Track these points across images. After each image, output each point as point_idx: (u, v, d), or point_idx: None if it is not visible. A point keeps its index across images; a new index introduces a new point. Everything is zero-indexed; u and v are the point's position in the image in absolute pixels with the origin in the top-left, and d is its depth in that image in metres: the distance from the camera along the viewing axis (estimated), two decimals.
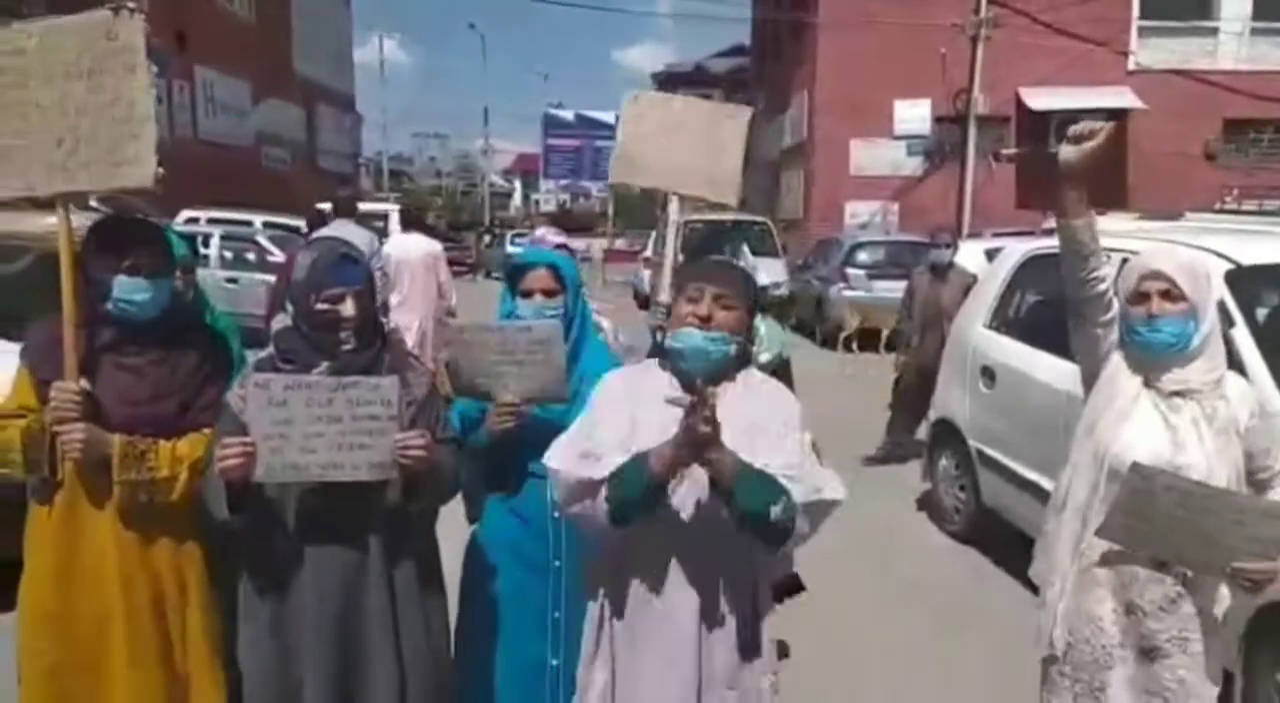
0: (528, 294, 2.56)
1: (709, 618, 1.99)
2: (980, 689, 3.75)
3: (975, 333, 5.35)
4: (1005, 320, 5.27)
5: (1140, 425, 2.26)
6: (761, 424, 1.97)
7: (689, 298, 2.02)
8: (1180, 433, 2.22)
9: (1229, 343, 3.41)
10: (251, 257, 12.01)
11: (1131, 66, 19.83)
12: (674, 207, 3.04)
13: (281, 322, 2.26)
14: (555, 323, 2.47)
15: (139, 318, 2.29)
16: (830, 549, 5.13)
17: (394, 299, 7.23)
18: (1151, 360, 2.27)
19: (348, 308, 2.18)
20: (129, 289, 2.26)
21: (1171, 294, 2.21)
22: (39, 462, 2.24)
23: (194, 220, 13.47)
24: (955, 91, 18.93)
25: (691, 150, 2.94)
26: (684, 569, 1.98)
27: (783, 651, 3.70)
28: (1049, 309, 5.27)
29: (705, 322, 1.97)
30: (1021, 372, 4.79)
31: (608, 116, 42.08)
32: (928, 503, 5.98)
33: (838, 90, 19.90)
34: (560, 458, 2.00)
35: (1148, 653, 2.25)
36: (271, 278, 10.34)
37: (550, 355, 2.40)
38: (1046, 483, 4.42)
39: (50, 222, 2.37)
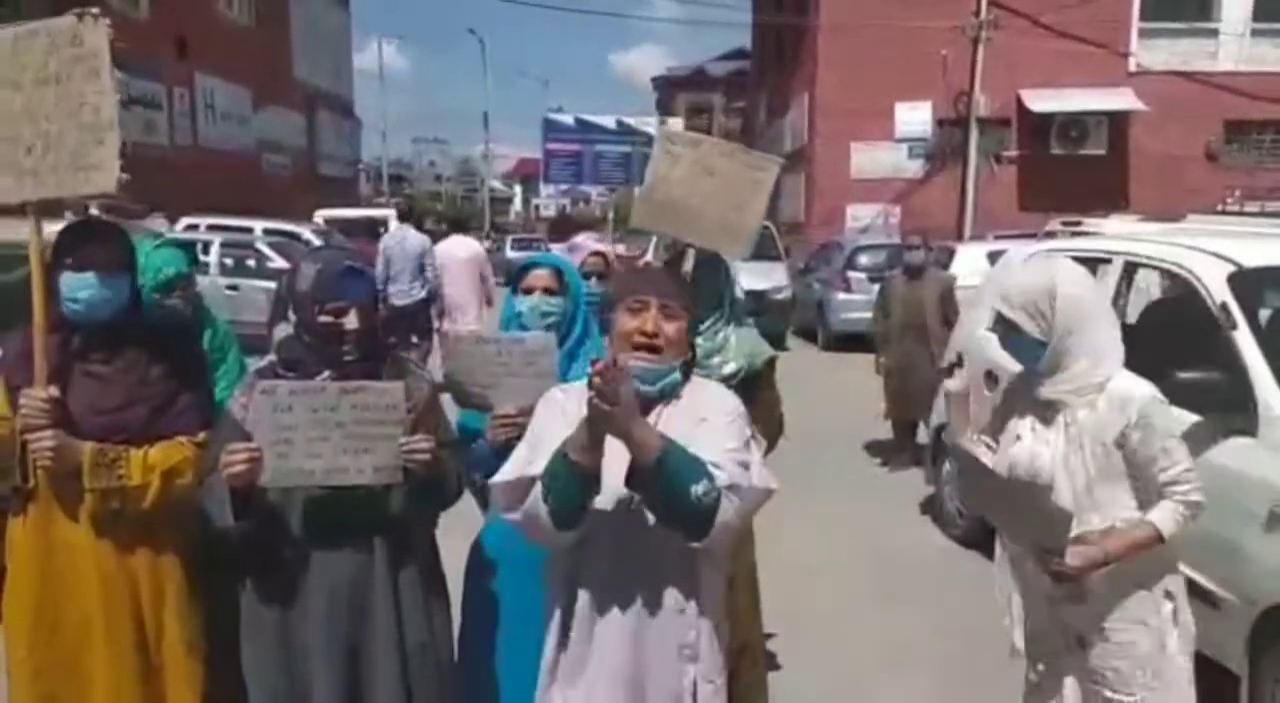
0: (529, 291, 2.64)
1: (650, 628, 1.90)
2: (981, 693, 3.73)
3: (978, 337, 5.32)
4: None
5: (1022, 436, 2.46)
6: (700, 418, 1.92)
7: (630, 309, 1.93)
8: (1040, 441, 2.41)
9: (1231, 345, 3.42)
10: (252, 264, 12.01)
11: (1132, 68, 19.83)
12: (689, 263, 3.06)
13: (284, 330, 2.25)
14: (548, 335, 2.50)
15: (88, 317, 2.26)
16: (833, 553, 5.14)
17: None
18: (1027, 375, 2.47)
19: (351, 321, 2.18)
20: (75, 286, 2.23)
21: (1011, 325, 2.39)
22: (9, 469, 2.24)
23: (194, 227, 13.47)
24: (956, 94, 18.95)
25: (714, 199, 2.95)
26: (626, 585, 1.90)
27: (770, 662, 3.67)
28: None
29: (652, 338, 1.90)
30: None
31: (608, 121, 41.98)
32: (931, 507, 5.96)
33: (838, 94, 19.91)
34: (502, 473, 1.93)
35: (1080, 642, 2.41)
36: (271, 285, 10.37)
37: (544, 366, 2.43)
38: None
39: (54, 230, 2.37)
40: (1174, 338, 4.07)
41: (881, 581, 4.91)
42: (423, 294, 8.81)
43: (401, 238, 8.96)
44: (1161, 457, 2.30)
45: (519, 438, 2.37)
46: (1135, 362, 4.03)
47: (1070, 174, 18.90)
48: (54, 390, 2.20)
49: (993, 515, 2.45)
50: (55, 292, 2.25)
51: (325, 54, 29.09)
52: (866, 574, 4.90)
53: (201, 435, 2.35)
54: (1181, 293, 4.02)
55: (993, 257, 9.53)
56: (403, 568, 2.26)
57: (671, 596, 1.90)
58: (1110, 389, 2.34)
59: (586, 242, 3.14)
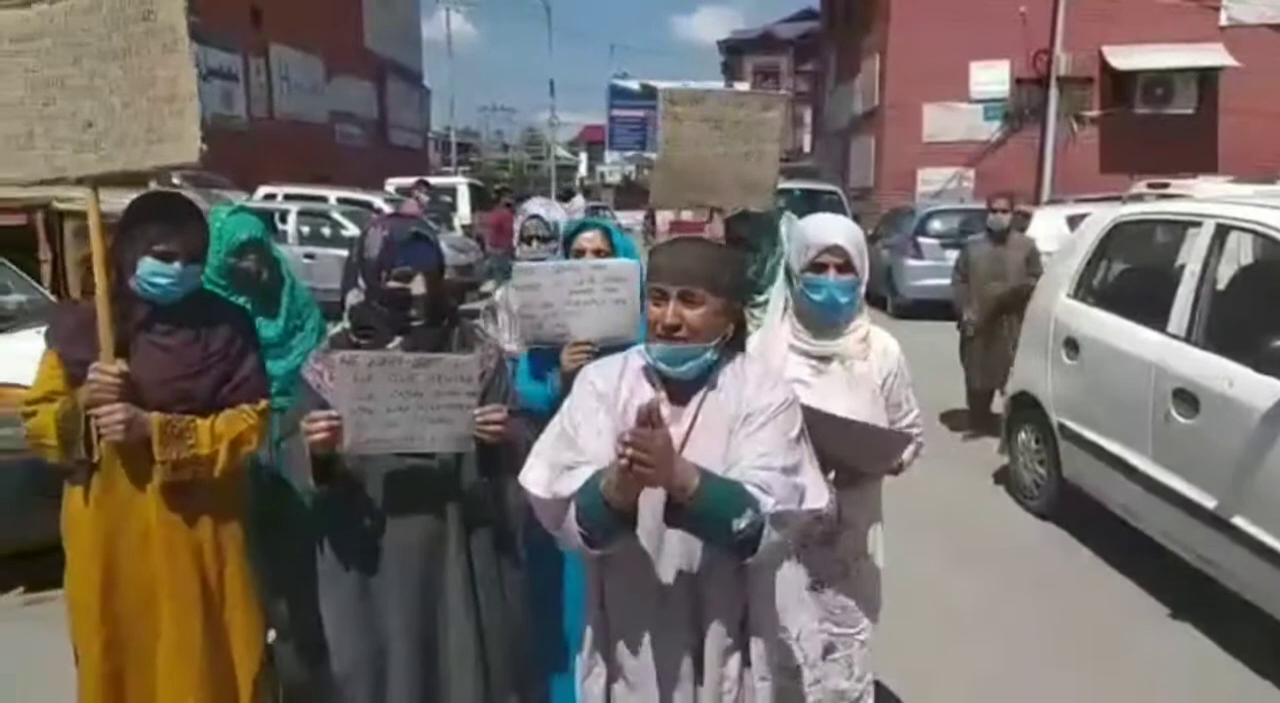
0: (580, 253, 2.71)
1: (698, 639, 1.86)
2: (1049, 659, 3.67)
3: (1058, 303, 5.18)
4: (1091, 290, 5.09)
5: (809, 383, 2.47)
6: (744, 414, 1.83)
7: (653, 300, 1.86)
8: (824, 391, 2.39)
9: None
10: (327, 231, 12.25)
11: (1224, 21, 18.85)
12: (719, 227, 3.02)
13: (356, 297, 2.29)
14: (633, 262, 2.50)
15: (162, 300, 2.29)
16: (905, 521, 5.07)
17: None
18: (815, 327, 2.46)
19: (418, 286, 2.21)
20: (153, 271, 2.25)
21: (845, 268, 2.42)
22: (75, 444, 2.24)
23: (271, 197, 13.80)
24: (1035, 52, 18.28)
25: (728, 154, 2.89)
26: (667, 599, 1.85)
27: None
28: (1138, 278, 5.08)
29: (673, 331, 1.81)
30: (1108, 343, 4.63)
31: (674, 86, 41.76)
32: (1006, 478, 5.85)
33: (911, 53, 19.35)
34: (535, 475, 1.83)
35: (814, 585, 2.52)
36: (346, 252, 10.60)
37: (625, 293, 2.42)
38: (1133, 458, 4.30)
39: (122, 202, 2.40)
40: (1268, 304, 3.90)
41: (954, 551, 4.84)
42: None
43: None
44: (904, 402, 2.52)
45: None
46: (1227, 328, 3.92)
47: (1156, 134, 18.15)
48: (122, 364, 2.22)
49: (840, 452, 2.40)
50: (120, 265, 2.27)
51: (395, 24, 29.30)
52: (939, 544, 4.84)
53: (263, 404, 2.40)
54: (1277, 257, 3.85)
55: (1073, 221, 9.21)
56: (475, 532, 2.31)
57: (721, 599, 1.85)
58: (872, 341, 2.49)
59: (530, 205, 3.23)
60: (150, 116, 2.20)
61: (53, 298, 5.30)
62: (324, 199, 13.97)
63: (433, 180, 17.79)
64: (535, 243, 3.06)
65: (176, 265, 2.27)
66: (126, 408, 2.20)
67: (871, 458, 2.46)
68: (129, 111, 2.20)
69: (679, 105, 2.97)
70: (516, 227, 3.14)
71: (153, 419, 2.24)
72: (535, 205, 3.21)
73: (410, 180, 16.61)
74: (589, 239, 2.77)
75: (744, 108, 2.94)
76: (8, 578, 4.21)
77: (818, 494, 1.82)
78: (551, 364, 2.56)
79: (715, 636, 1.86)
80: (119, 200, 2.42)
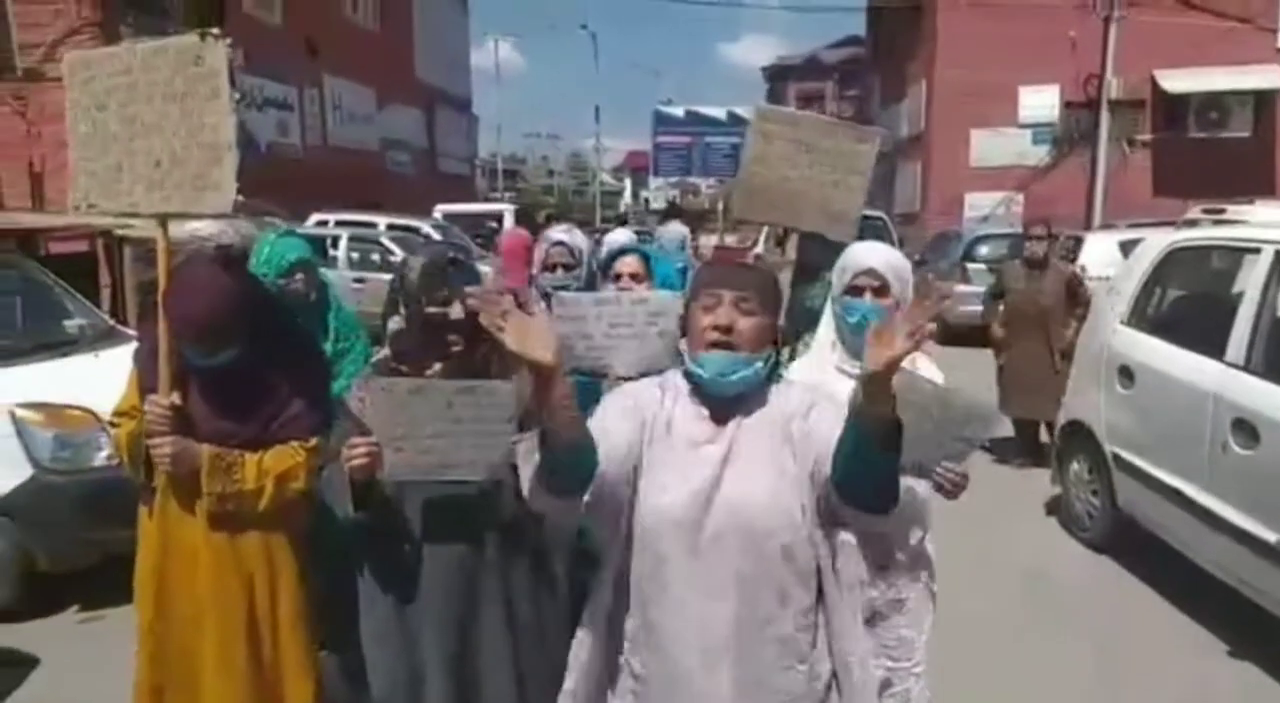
0: (617, 278, 2.74)
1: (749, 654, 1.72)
2: (1094, 693, 3.57)
3: (1112, 330, 5.08)
4: (1145, 317, 4.99)
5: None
6: (792, 425, 1.78)
7: (704, 307, 1.80)
8: None
9: None
10: (376, 257, 12.44)
11: None
12: (792, 251, 3.03)
13: (397, 323, 2.32)
14: (674, 294, 2.49)
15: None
16: (955, 557, 4.98)
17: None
18: (855, 350, 2.35)
19: (456, 311, 2.23)
20: (190, 353, 2.32)
21: (882, 292, 2.39)
22: (139, 466, 2.35)
23: (324, 223, 14.07)
24: (1085, 76, 18.09)
25: (815, 180, 2.85)
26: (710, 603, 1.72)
27: None
28: (1194, 305, 4.97)
29: (726, 332, 1.75)
30: (1163, 371, 4.53)
31: (718, 112, 41.84)
32: (1058, 509, 5.72)
33: (958, 78, 19.26)
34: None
35: (869, 620, 2.37)
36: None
37: (667, 326, 2.40)
38: (1189, 489, 4.18)
39: (194, 227, 2.46)
40: None
41: (1004, 582, 4.74)
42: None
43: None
44: None
45: None
46: None
47: (1210, 158, 17.83)
48: (175, 398, 2.28)
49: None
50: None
51: (445, 53, 29.79)
52: (989, 576, 4.74)
53: (314, 441, 2.41)
54: None
55: (1125, 246, 9.05)
56: (513, 558, 2.30)
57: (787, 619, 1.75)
58: (918, 369, 2.39)
59: (552, 233, 3.23)
60: (199, 162, 2.25)
61: (112, 322, 5.47)
62: (374, 225, 14.21)
63: (479, 207, 18.02)
64: (560, 270, 3.08)
65: (200, 350, 2.31)
66: (176, 440, 2.27)
67: (954, 434, 2.29)
68: (185, 154, 2.26)
69: (771, 123, 2.91)
70: (539, 254, 3.15)
71: (203, 452, 2.30)
72: (558, 233, 3.25)
73: (460, 206, 16.88)
74: (626, 264, 2.82)
75: (835, 138, 2.91)
76: (62, 597, 4.31)
77: None
78: (593, 393, 2.56)
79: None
80: (179, 227, 2.48)
